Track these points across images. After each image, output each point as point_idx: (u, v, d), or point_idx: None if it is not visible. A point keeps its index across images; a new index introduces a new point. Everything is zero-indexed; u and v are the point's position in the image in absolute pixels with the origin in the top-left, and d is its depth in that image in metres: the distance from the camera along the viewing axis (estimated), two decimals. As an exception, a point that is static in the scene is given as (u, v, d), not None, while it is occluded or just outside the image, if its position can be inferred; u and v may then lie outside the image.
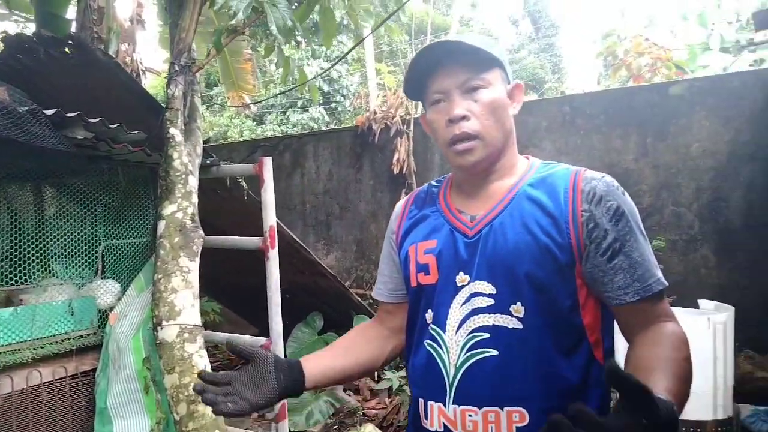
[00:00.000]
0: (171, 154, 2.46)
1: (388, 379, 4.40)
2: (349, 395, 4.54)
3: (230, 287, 5.18)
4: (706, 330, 2.97)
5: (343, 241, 6.01)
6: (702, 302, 3.48)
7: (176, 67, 2.52)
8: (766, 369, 3.92)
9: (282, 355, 2.77)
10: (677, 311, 3.25)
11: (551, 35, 20.42)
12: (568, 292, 1.11)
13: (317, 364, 1.23)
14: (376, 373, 4.74)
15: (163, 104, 2.65)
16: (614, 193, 1.11)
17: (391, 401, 4.37)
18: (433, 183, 1.33)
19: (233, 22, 2.59)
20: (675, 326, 1.10)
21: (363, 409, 4.35)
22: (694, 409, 2.98)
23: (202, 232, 2.45)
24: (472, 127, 1.13)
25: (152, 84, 10.61)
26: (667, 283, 1.13)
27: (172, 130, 2.48)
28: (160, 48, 5.82)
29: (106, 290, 2.89)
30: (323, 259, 5.75)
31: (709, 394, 2.98)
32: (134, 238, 3.02)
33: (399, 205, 1.35)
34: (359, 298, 4.66)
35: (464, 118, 1.13)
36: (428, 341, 1.17)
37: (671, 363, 1.00)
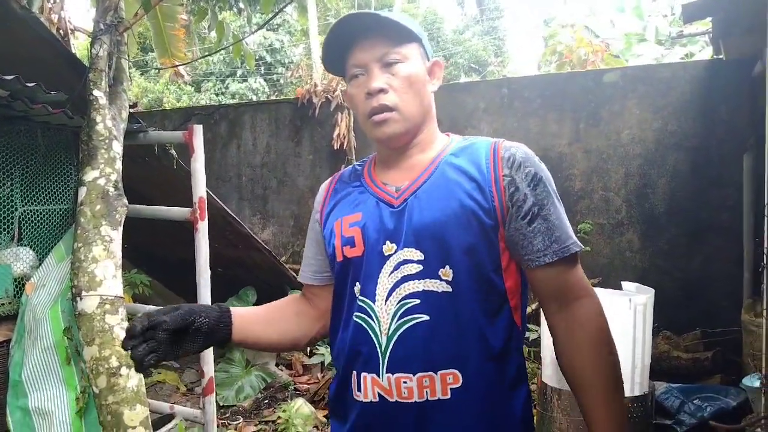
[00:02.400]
0: (94, 118, 2.33)
1: (321, 354, 4.40)
2: (281, 370, 4.53)
3: (162, 259, 5.04)
4: (628, 311, 3.09)
5: (281, 215, 5.93)
6: (625, 284, 3.62)
7: (101, 26, 2.38)
8: (680, 348, 4.13)
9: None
10: (602, 292, 3.38)
11: (495, 18, 20.61)
12: (493, 255, 1.14)
13: (242, 325, 1.22)
14: (308, 348, 4.73)
15: (87, 65, 2.51)
16: (532, 160, 1.17)
17: (323, 376, 4.38)
18: (357, 164, 1.34)
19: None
20: (590, 306, 1.16)
21: (294, 384, 4.34)
22: (613, 386, 3.11)
23: (125, 201, 2.35)
24: (390, 99, 1.15)
25: (84, 45, 10.09)
26: (582, 246, 1.19)
27: (95, 92, 2.35)
28: (92, 8, 5.51)
29: (20, 258, 2.74)
30: (259, 234, 5.66)
31: (627, 372, 3.11)
32: (54, 205, 2.87)
33: (323, 186, 1.35)
34: (294, 274, 4.62)
35: (382, 90, 1.15)
36: (357, 313, 1.17)
37: (600, 370, 1.12)
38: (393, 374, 1.11)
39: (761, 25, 2.48)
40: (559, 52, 7.68)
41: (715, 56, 4.63)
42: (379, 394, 1.13)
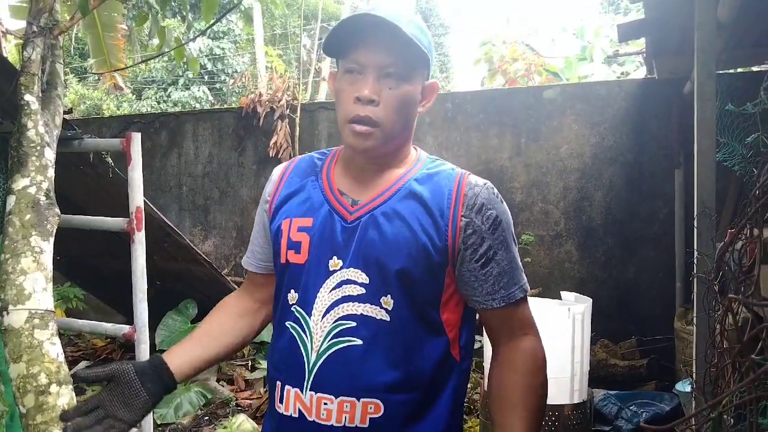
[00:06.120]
0: (25, 123, 2.23)
1: (264, 368, 4.32)
2: (223, 386, 4.41)
3: (97, 272, 4.85)
4: (566, 320, 3.17)
5: (223, 227, 5.81)
6: (564, 294, 3.71)
7: (34, 28, 2.28)
8: (617, 356, 4.26)
9: (148, 345, 2.63)
10: (542, 302, 3.45)
11: (441, 34, 20.94)
12: (435, 289, 1.14)
13: (185, 358, 1.21)
14: (250, 363, 4.64)
15: (19, 68, 2.40)
16: (494, 202, 1.15)
17: (265, 391, 4.30)
18: (316, 155, 1.28)
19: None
20: (534, 342, 1.18)
21: (236, 400, 4.24)
22: (554, 394, 3.16)
23: (57, 210, 2.25)
24: (377, 114, 1.10)
25: (18, 49, 9.68)
26: (529, 289, 1.20)
27: (27, 97, 2.24)
28: (12, 17, 5.28)
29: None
30: (200, 245, 5.53)
31: (567, 380, 3.18)
32: (-20, 215, 2.72)
33: (277, 171, 1.28)
34: (237, 287, 4.52)
35: (372, 101, 1.09)
36: (291, 323, 1.15)
37: (528, 394, 1.14)
38: (316, 393, 1.10)
39: (690, 47, 2.61)
40: (490, 59, 7.82)
41: (648, 75, 4.83)
42: (300, 410, 1.12)
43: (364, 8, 1.12)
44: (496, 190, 1.18)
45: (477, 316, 1.23)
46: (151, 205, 3.35)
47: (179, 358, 1.20)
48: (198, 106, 12.25)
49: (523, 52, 7.46)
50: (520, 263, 1.19)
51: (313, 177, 1.22)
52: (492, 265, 1.13)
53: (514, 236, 1.19)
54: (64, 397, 2.14)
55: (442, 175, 1.17)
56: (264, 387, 4.38)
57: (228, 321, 1.30)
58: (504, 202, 1.19)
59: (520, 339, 1.17)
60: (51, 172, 2.29)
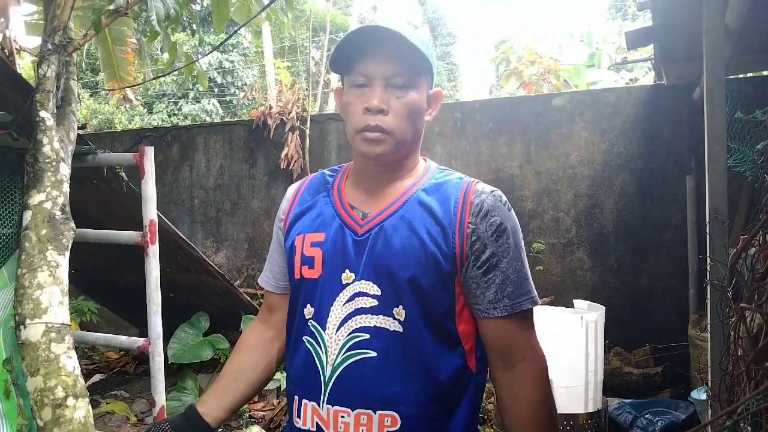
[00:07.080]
0: (40, 139, 2.27)
1: (277, 379, 4.32)
2: (236, 397, 4.42)
3: (111, 286, 4.89)
4: (580, 328, 3.15)
5: (235, 238, 5.84)
6: (577, 302, 3.70)
7: (49, 46, 2.33)
8: (632, 364, 4.23)
9: (162, 357, 2.65)
10: (555, 310, 3.44)
11: (448, 43, 21.00)
12: (448, 299, 1.13)
13: (215, 405, 1.26)
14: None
15: (34, 85, 2.45)
16: (500, 209, 1.15)
17: (279, 402, 4.30)
18: (327, 172, 1.30)
19: (112, 7, 2.42)
20: (535, 370, 1.16)
21: (249, 411, 4.24)
22: (568, 403, 3.15)
23: (73, 225, 2.28)
24: (387, 123, 1.11)
25: (31, 66, 9.80)
26: (539, 302, 1.18)
27: (42, 113, 2.29)
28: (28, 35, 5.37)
29: (-40, 286, 2.61)
30: (212, 257, 5.56)
31: (581, 389, 3.16)
32: (-3, 230, 2.75)
33: (291, 190, 1.31)
34: (249, 298, 4.54)
35: (382, 111, 1.11)
36: (307, 338, 1.16)
37: (537, 426, 1.13)
38: (333, 406, 1.10)
39: (699, 53, 2.61)
40: (507, 59, 7.82)
41: (657, 81, 4.82)
42: (317, 424, 1.12)
43: (368, 22, 1.14)
44: (504, 198, 1.18)
45: None
46: (164, 218, 3.38)
47: (210, 407, 1.25)
48: (208, 119, 12.34)
49: (540, 56, 7.44)
50: (530, 274, 1.17)
51: (324, 193, 1.24)
52: (495, 273, 1.12)
53: (522, 247, 1.17)
54: (81, 410, 2.15)
55: (449, 184, 1.18)
56: (277, 398, 4.38)
57: (245, 358, 1.33)
58: (512, 211, 1.18)
59: (518, 368, 1.15)
60: (66, 187, 2.32)
